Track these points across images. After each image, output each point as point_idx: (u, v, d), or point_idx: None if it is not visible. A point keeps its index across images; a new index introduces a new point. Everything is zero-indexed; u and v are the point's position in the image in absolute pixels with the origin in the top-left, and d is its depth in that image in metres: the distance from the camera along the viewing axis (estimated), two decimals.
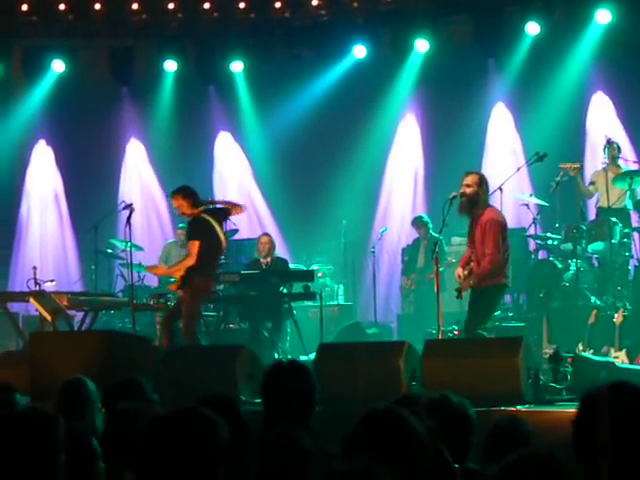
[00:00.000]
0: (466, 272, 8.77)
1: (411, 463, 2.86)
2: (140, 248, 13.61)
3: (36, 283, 10.51)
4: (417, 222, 13.62)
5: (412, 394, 4.65)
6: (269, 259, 12.36)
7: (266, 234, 12.90)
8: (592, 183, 11.90)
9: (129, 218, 10.20)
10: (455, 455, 3.83)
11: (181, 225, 14.24)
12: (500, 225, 8.71)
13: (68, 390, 5.07)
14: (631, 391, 2.79)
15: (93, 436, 3.67)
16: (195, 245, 9.53)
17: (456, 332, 10.33)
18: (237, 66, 15.29)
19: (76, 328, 10.70)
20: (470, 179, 8.73)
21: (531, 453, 2.53)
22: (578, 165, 11.60)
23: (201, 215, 9.70)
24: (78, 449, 3.41)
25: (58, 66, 15.19)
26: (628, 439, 2.64)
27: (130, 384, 5.00)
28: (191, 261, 9.54)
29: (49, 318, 10.10)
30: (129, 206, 10.53)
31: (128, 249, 10.82)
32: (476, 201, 8.69)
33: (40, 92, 15.49)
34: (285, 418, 4.39)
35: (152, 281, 13.83)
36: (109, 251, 13.49)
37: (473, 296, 8.73)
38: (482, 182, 8.77)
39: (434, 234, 12.43)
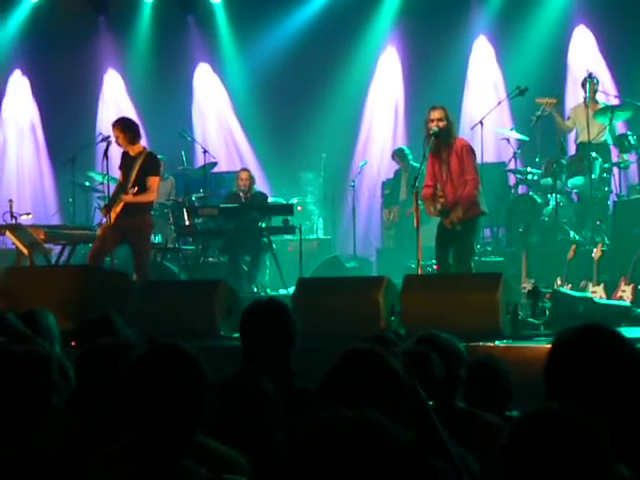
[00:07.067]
0: (439, 206, 8.83)
1: (391, 401, 2.86)
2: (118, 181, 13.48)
3: (12, 216, 10.41)
4: (398, 154, 13.51)
5: (387, 335, 4.61)
6: (249, 194, 12.26)
7: (245, 169, 12.73)
8: (569, 118, 11.85)
9: (106, 151, 10.04)
10: (447, 392, 3.83)
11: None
12: (474, 151, 8.97)
13: (22, 320, 4.99)
14: (606, 332, 2.78)
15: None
16: (155, 181, 9.73)
17: (435, 267, 10.31)
18: None
19: (54, 262, 10.62)
20: (438, 113, 8.79)
21: None
22: (554, 100, 11.50)
23: (153, 152, 9.86)
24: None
25: None
26: (604, 382, 2.63)
27: (104, 320, 4.95)
28: (152, 196, 9.77)
29: (26, 252, 10.02)
30: (106, 138, 10.37)
31: (106, 182, 10.68)
32: (450, 132, 8.83)
33: (15, 22, 15.27)
34: (263, 356, 4.37)
35: None
36: (87, 184, 13.34)
37: (458, 228, 8.74)
38: (449, 114, 8.89)
39: (415, 164, 12.35)
